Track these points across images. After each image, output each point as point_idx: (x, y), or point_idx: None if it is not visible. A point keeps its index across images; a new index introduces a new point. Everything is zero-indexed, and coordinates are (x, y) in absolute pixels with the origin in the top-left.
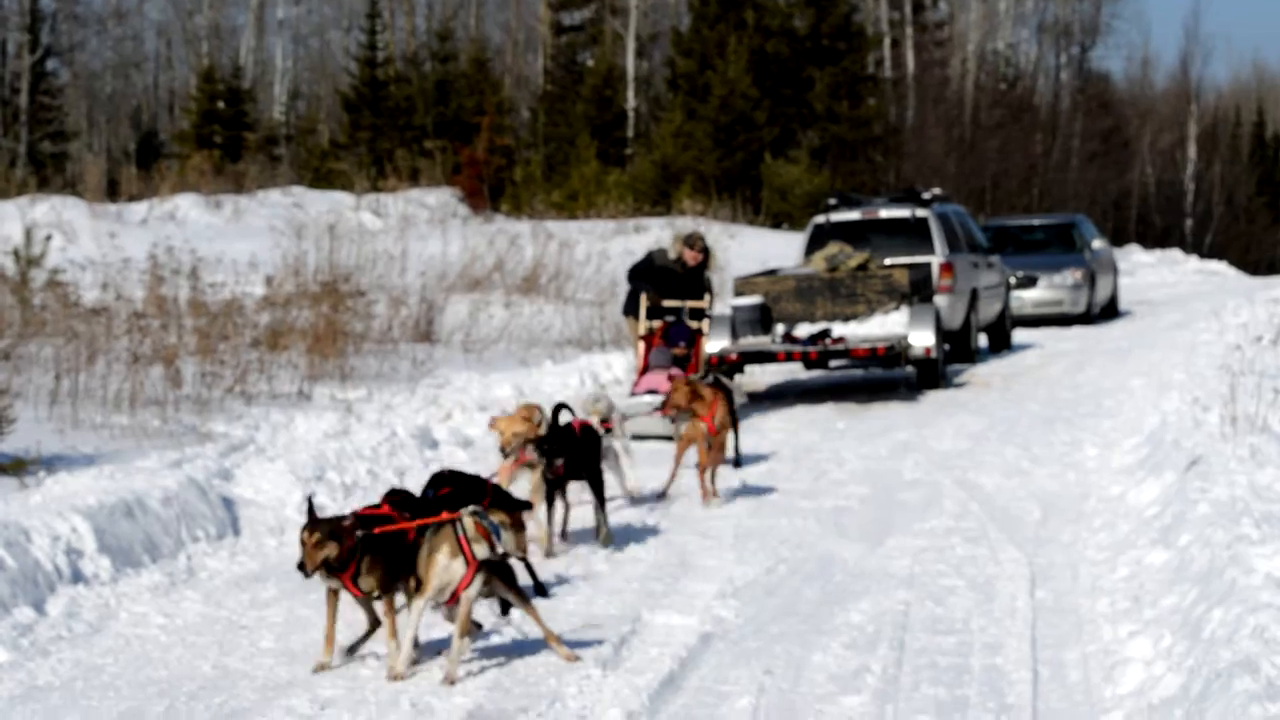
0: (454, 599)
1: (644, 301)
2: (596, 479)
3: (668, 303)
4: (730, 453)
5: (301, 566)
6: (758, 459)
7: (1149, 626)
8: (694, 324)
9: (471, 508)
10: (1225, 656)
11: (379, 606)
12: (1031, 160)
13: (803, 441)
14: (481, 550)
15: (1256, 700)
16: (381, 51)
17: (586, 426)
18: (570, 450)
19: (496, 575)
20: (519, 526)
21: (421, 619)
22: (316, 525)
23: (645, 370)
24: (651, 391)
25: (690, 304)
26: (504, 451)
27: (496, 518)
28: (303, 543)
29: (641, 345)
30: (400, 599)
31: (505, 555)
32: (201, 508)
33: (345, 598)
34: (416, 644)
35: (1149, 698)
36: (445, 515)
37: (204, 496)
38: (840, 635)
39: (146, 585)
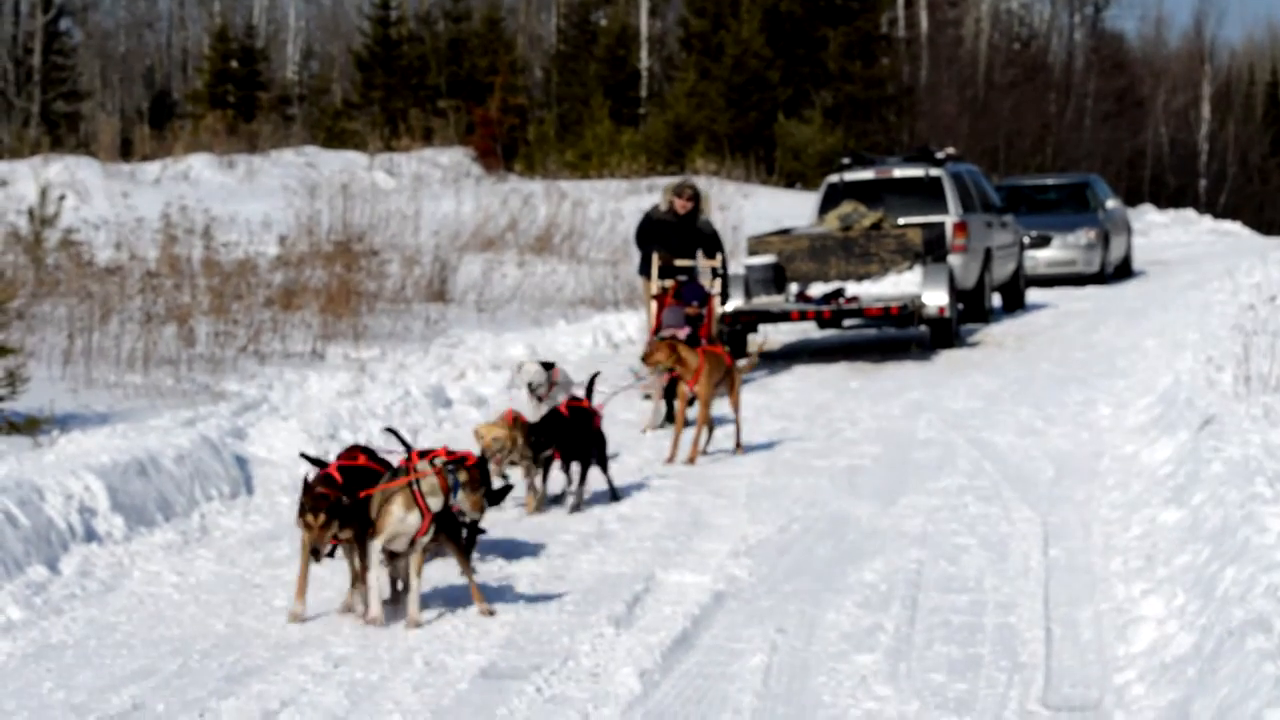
0: (411, 546)
1: (655, 261)
2: (587, 461)
3: (680, 262)
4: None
5: (315, 552)
6: (771, 418)
7: (1162, 585)
8: (706, 283)
9: (439, 460)
10: (1238, 615)
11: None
12: (1045, 120)
13: (816, 400)
14: (435, 503)
15: (1269, 658)
16: (394, 10)
17: (577, 407)
18: (560, 437)
19: (441, 524)
20: (474, 486)
21: (378, 561)
22: (320, 507)
23: (658, 329)
24: None
25: (705, 263)
26: (483, 455)
27: (461, 474)
28: (309, 526)
29: (654, 305)
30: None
31: (460, 513)
32: (215, 466)
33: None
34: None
35: (1161, 656)
36: (414, 458)
37: (217, 455)
38: (853, 594)
39: (160, 544)
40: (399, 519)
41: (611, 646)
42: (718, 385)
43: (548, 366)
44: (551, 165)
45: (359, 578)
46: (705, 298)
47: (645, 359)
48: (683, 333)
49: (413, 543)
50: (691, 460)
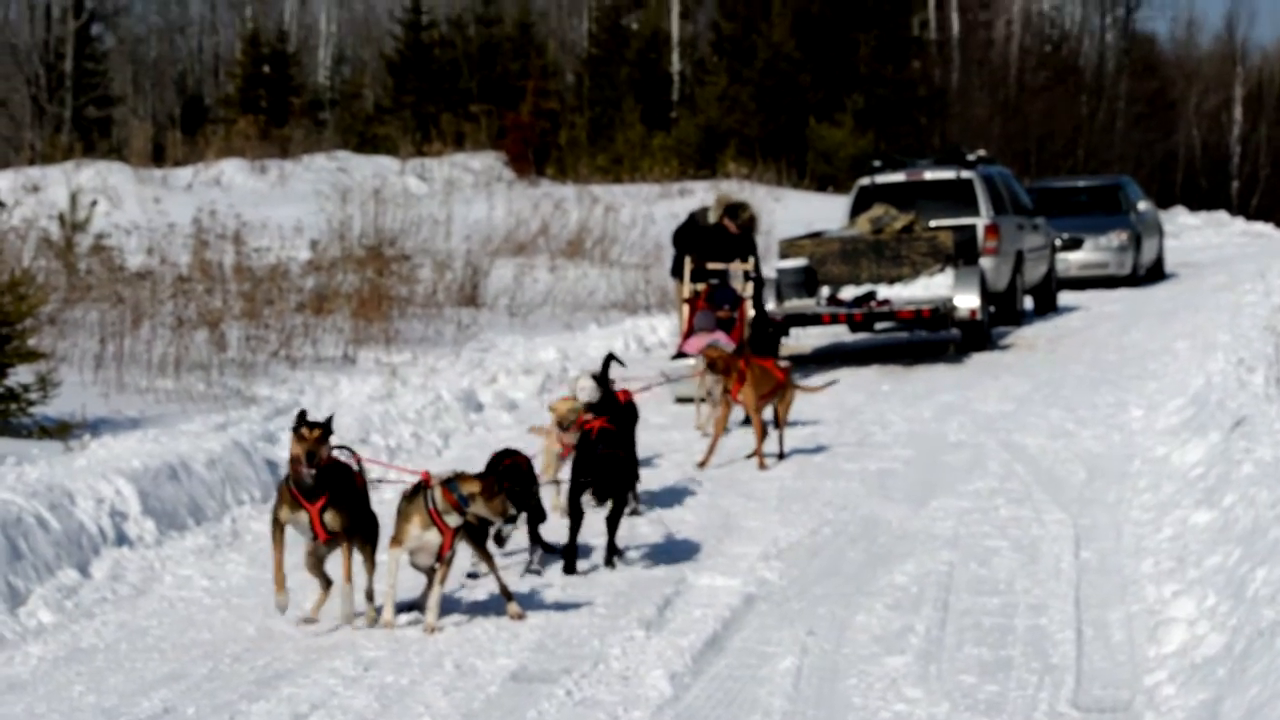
0: (440, 560)
1: (688, 264)
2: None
3: (712, 265)
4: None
5: (310, 457)
6: (802, 422)
7: (1193, 586)
8: (738, 286)
9: (442, 477)
10: (1268, 615)
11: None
12: (1076, 122)
13: (847, 404)
14: (452, 520)
15: None
16: (426, 15)
17: (628, 399)
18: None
19: (467, 535)
20: (488, 494)
21: (398, 571)
22: (316, 423)
23: (690, 333)
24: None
25: (737, 266)
26: (562, 426)
27: (466, 489)
28: (303, 438)
29: (686, 308)
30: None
31: (481, 521)
32: (246, 470)
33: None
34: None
35: (1192, 657)
36: (424, 477)
37: (248, 459)
38: (884, 596)
39: (190, 548)
40: (417, 536)
41: (642, 649)
42: (765, 397)
43: (602, 380)
44: (583, 169)
45: (345, 573)
46: (737, 302)
47: (705, 369)
48: (713, 339)
49: (439, 558)
50: (702, 464)
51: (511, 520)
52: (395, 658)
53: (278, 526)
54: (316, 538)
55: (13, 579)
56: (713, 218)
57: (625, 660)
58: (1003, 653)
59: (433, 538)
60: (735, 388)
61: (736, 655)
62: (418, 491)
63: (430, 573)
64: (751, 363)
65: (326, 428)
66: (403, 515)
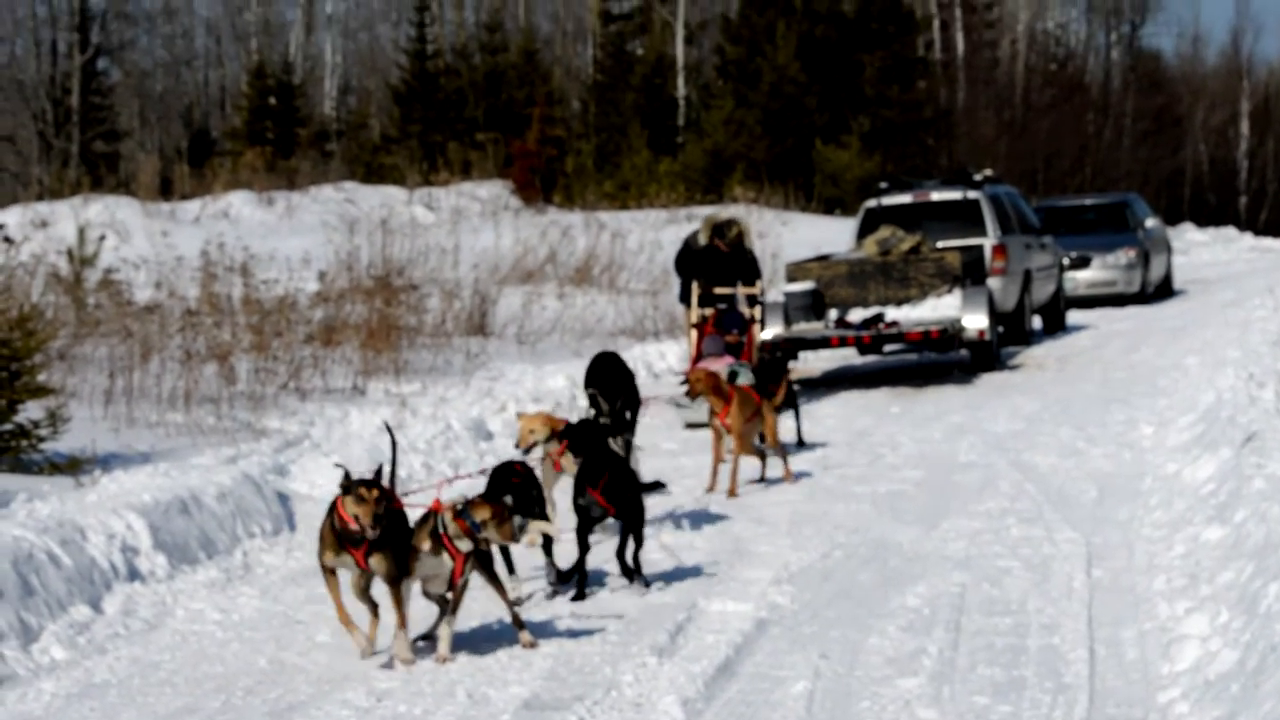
0: (452, 588)
1: (695, 290)
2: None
3: (719, 290)
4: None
5: (377, 520)
6: (812, 445)
7: (1205, 603)
8: (746, 310)
9: (452, 504)
10: None
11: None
12: (1083, 140)
13: (857, 426)
14: (464, 544)
15: None
16: (431, 44)
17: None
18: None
19: (477, 562)
20: (499, 519)
21: (409, 600)
22: (373, 482)
23: (698, 358)
24: None
25: (743, 290)
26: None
27: (478, 515)
28: (363, 499)
29: (694, 333)
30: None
31: (489, 544)
32: (257, 503)
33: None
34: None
35: (1205, 674)
36: (435, 506)
37: (259, 492)
38: (896, 618)
39: (202, 581)
40: (430, 564)
41: (654, 676)
42: (749, 420)
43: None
44: (590, 196)
45: (398, 619)
46: (745, 325)
47: (688, 391)
48: (723, 363)
49: (451, 585)
50: (731, 493)
51: (515, 541)
52: (408, 688)
53: (328, 572)
54: (363, 570)
55: (25, 615)
56: (702, 239)
57: (638, 687)
58: (1016, 673)
59: (445, 564)
60: (723, 412)
61: (749, 680)
62: (427, 519)
63: (442, 602)
64: (737, 388)
65: (380, 483)
66: (413, 544)
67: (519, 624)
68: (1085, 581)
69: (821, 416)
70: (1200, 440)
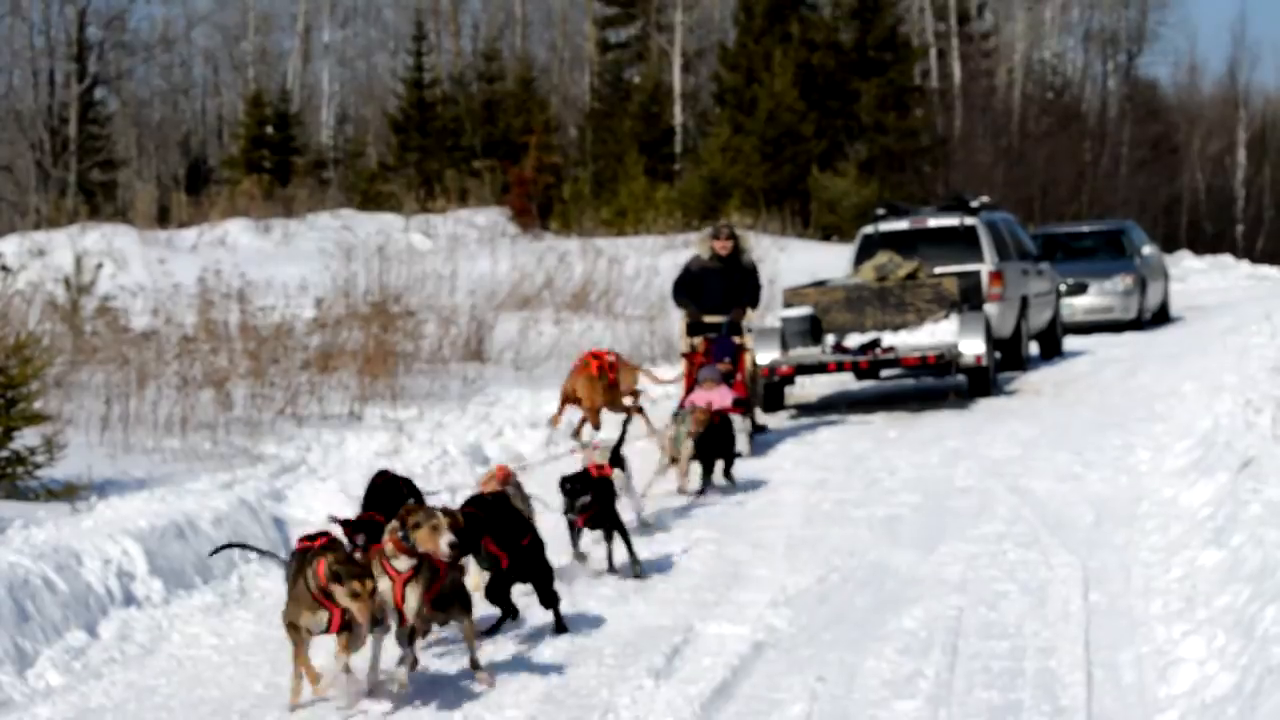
0: (399, 605)
1: (683, 319)
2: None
3: (709, 318)
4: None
5: (377, 623)
6: (810, 468)
7: (1202, 626)
8: (738, 339)
9: (391, 524)
10: (1278, 654)
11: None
12: (1080, 168)
13: (854, 450)
14: (402, 564)
15: None
16: (428, 73)
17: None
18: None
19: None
20: (433, 529)
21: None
22: (364, 573)
23: (691, 388)
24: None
25: (737, 316)
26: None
27: (411, 519)
28: (357, 595)
29: (684, 363)
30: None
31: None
32: (253, 528)
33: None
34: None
35: (1202, 696)
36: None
37: (255, 517)
38: (893, 641)
39: (198, 606)
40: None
41: (651, 699)
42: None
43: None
44: (587, 223)
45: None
46: (737, 354)
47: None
48: (718, 391)
49: (399, 612)
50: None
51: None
52: (405, 713)
53: (296, 629)
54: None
55: (21, 641)
56: (704, 253)
57: (634, 710)
58: (1013, 696)
59: (384, 585)
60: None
61: (746, 703)
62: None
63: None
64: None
65: (370, 569)
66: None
67: (475, 660)
68: (1082, 605)
69: (819, 441)
70: (1197, 465)
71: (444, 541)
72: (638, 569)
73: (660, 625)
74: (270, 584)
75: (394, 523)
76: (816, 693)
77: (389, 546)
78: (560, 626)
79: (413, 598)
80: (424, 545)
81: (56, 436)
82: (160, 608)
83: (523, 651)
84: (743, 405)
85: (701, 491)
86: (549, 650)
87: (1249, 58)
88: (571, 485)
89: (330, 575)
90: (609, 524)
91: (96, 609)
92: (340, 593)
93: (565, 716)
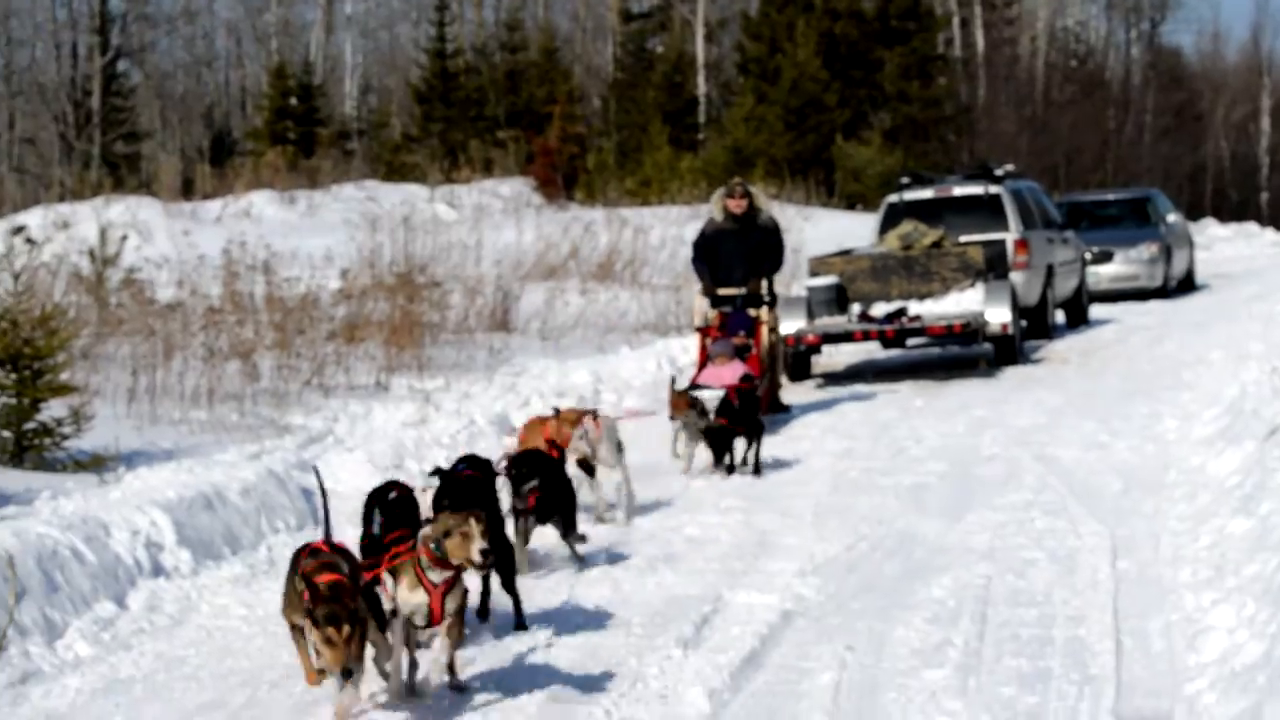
0: (438, 621)
1: (698, 293)
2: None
3: (724, 291)
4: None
5: (347, 674)
6: (836, 437)
7: (1231, 594)
8: (753, 312)
9: (423, 533)
10: None
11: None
12: (1104, 136)
13: (881, 419)
14: (436, 575)
15: None
16: (451, 43)
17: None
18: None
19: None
20: (465, 537)
21: (405, 636)
22: (341, 618)
23: (704, 362)
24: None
25: (754, 287)
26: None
27: (439, 528)
28: (331, 643)
29: (698, 336)
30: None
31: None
32: (281, 499)
33: None
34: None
35: (1232, 664)
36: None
37: (283, 488)
38: (922, 610)
39: (227, 577)
40: (403, 600)
41: (680, 667)
42: None
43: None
44: (611, 193)
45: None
46: (752, 327)
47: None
48: (731, 366)
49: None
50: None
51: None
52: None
53: (295, 628)
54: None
55: (50, 612)
56: (718, 214)
57: (663, 679)
58: (1042, 664)
59: (419, 598)
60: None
61: (775, 671)
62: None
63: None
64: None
65: (353, 611)
66: (394, 578)
67: (452, 667)
68: (1110, 573)
69: (845, 410)
70: (1224, 433)
71: (476, 549)
72: (580, 563)
73: (689, 594)
74: None
75: (425, 530)
76: (846, 661)
77: (423, 558)
78: (520, 623)
79: (452, 606)
80: (456, 555)
81: (84, 408)
82: (189, 578)
83: (551, 622)
84: (751, 381)
85: (730, 470)
86: (578, 618)
87: (1273, 24)
88: (518, 469)
89: (308, 615)
90: (560, 511)
91: (125, 580)
92: (316, 636)
93: (593, 685)
